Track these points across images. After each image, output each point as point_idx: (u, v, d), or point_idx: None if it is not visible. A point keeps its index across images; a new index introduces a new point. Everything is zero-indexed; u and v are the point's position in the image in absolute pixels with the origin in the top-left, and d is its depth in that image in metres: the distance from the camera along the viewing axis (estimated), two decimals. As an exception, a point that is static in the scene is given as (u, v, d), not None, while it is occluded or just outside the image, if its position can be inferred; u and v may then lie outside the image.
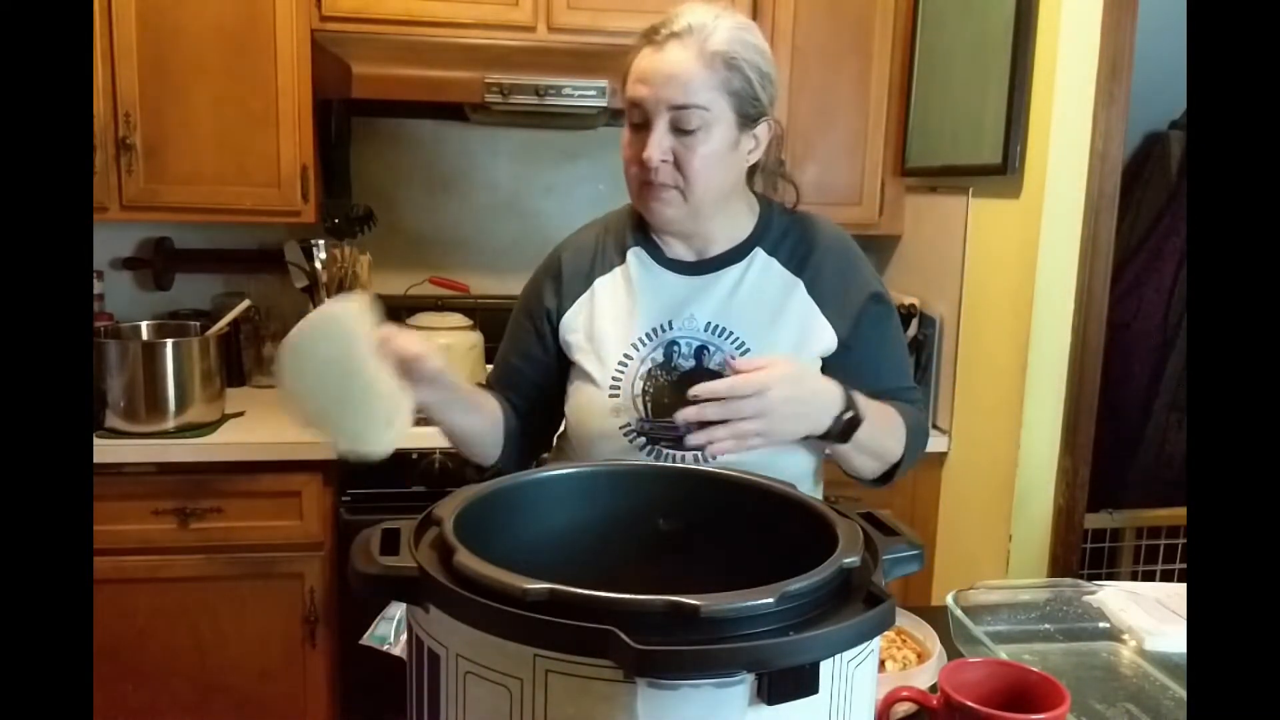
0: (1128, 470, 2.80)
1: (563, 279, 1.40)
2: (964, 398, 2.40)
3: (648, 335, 1.34)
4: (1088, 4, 1.97)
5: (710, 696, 0.58)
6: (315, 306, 2.56)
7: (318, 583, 2.25)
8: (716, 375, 1.27)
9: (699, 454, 1.19)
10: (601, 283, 1.39)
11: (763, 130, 1.30)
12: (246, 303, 2.46)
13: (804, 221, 1.40)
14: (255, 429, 2.29)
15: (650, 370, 1.32)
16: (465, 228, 2.83)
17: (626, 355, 1.33)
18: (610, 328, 1.36)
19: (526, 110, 2.31)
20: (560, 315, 1.39)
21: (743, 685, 0.59)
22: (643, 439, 1.31)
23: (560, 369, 1.41)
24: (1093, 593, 1.22)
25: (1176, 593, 1.23)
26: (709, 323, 1.33)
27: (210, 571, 2.21)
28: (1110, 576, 2.31)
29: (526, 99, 2.27)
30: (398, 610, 1.27)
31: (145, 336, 2.38)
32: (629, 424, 1.31)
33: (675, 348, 1.33)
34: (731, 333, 1.33)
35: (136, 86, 2.28)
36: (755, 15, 2.47)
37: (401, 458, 2.21)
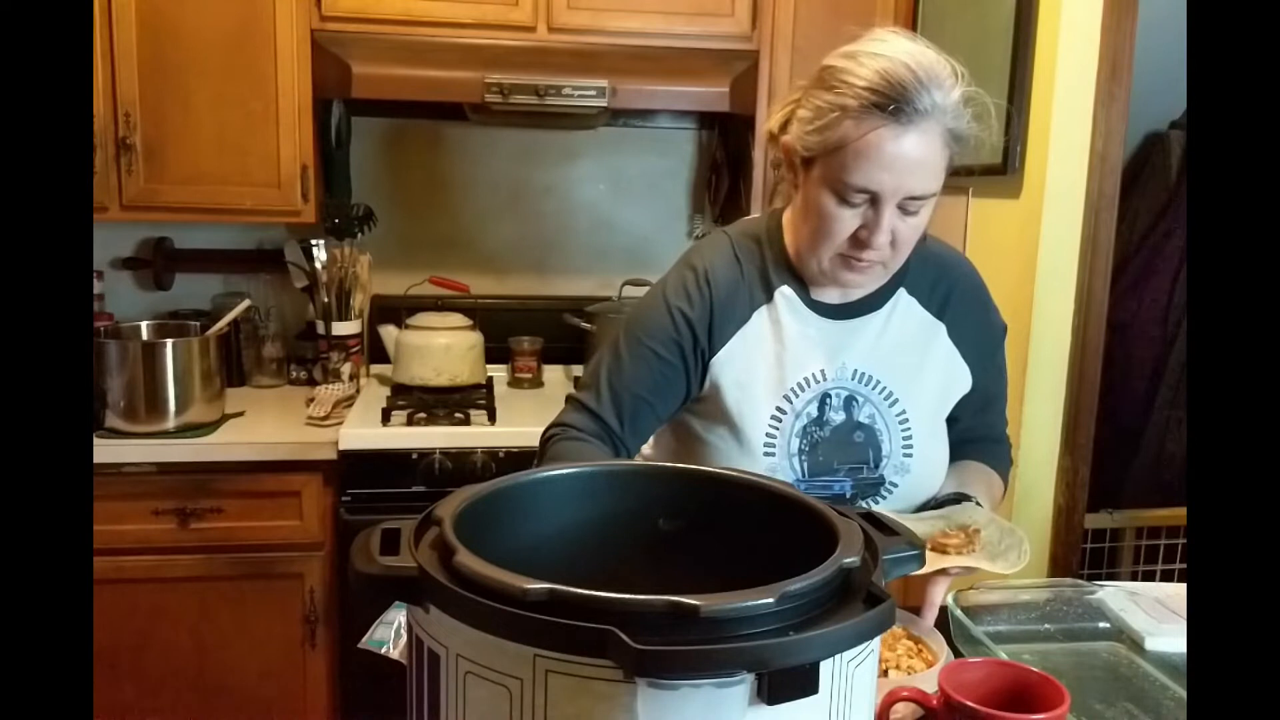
0: (1128, 470, 2.80)
1: (715, 309, 1.27)
2: (964, 398, 2.39)
3: (800, 386, 1.26)
4: (1088, 4, 1.97)
5: (710, 696, 0.58)
6: (315, 306, 2.57)
7: (318, 583, 2.25)
8: (868, 428, 1.27)
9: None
10: (753, 322, 1.28)
11: None
12: (246, 303, 2.47)
13: (938, 256, 1.35)
14: (255, 429, 2.29)
15: (806, 426, 1.26)
16: (465, 228, 2.83)
17: (780, 409, 1.26)
18: (760, 376, 1.27)
19: (526, 110, 2.32)
20: (713, 352, 1.27)
21: (743, 685, 0.59)
22: None
23: (684, 402, 1.31)
24: (1093, 593, 1.22)
25: (1176, 593, 1.23)
26: (857, 371, 1.28)
27: (210, 571, 2.21)
28: (1110, 576, 2.31)
29: (526, 99, 2.27)
30: (397, 615, 1.26)
31: (145, 336, 2.38)
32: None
33: (828, 400, 1.27)
34: (879, 382, 1.28)
35: (136, 86, 2.29)
36: (755, 15, 2.47)
37: (401, 458, 2.21)
